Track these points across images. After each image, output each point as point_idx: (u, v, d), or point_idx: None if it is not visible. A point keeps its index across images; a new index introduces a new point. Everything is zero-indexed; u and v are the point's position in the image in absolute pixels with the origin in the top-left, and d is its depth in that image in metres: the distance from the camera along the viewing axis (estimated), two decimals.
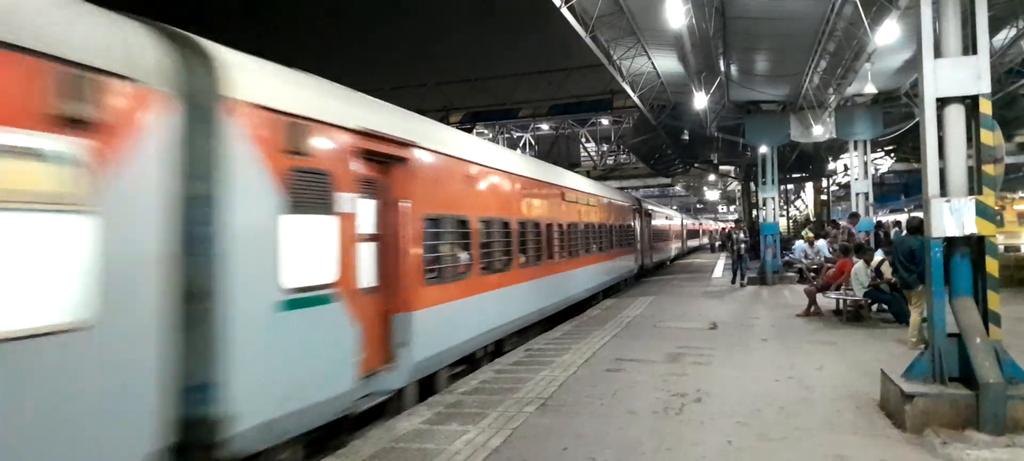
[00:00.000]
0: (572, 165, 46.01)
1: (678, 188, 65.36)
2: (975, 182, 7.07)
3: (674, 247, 45.11)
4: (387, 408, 7.87)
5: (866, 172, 23.81)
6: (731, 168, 41.83)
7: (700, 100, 19.30)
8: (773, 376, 9.29)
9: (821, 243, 22.21)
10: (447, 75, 35.17)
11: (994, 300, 6.93)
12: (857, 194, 23.52)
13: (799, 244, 23.92)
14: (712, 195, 69.16)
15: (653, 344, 12.01)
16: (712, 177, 50.61)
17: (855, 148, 23.90)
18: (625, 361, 10.57)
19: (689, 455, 6.19)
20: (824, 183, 38.86)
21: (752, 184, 33.47)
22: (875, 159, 35.74)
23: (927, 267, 7.16)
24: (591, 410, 7.79)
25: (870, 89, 16.78)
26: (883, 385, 7.56)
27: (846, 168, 32.02)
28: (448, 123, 42.73)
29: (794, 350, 11.22)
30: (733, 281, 22.91)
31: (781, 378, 9.17)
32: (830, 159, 35.41)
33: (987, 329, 6.83)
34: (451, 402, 8.27)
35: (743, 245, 23.47)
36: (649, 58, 18.89)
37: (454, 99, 40.59)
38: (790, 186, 43.06)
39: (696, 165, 42.40)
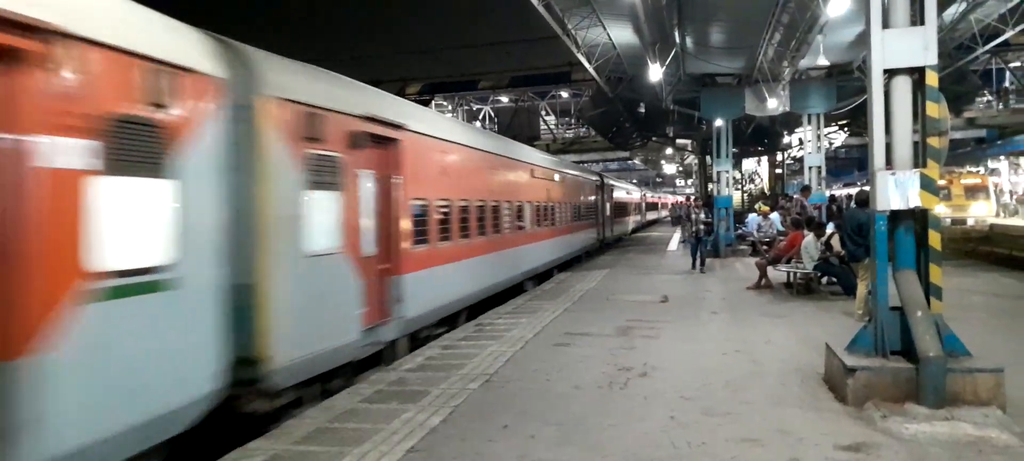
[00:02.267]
0: (532, 138, 45.85)
1: (637, 162, 65.61)
2: (920, 155, 7.03)
3: (558, 244, 21.11)
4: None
5: (819, 146, 24.01)
6: (688, 142, 42.00)
7: (655, 72, 19.19)
8: (721, 350, 9.26)
9: (775, 216, 22.38)
10: (405, 46, 34.41)
11: (936, 273, 6.93)
12: (810, 167, 23.74)
13: (752, 217, 24.10)
14: (670, 169, 69.66)
15: (604, 318, 11.93)
16: (669, 151, 50.72)
17: (809, 122, 24.08)
18: (574, 335, 10.46)
19: (632, 431, 6.08)
20: (779, 157, 39.23)
21: (708, 157, 33.63)
22: (829, 133, 36.20)
23: (871, 240, 7.14)
24: (536, 386, 7.65)
25: (822, 61, 16.87)
26: (827, 359, 7.56)
27: (801, 142, 32.35)
28: (405, 95, 42.17)
29: (743, 323, 11.24)
30: (693, 266, 19.36)
31: (729, 351, 9.15)
32: (785, 133, 35.74)
33: (929, 302, 6.82)
34: (393, 380, 8.06)
35: (703, 226, 19.81)
36: (604, 29, 18.68)
37: (411, 70, 39.90)
38: (753, 160, 43.36)
39: (654, 139, 42.45)
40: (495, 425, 6.33)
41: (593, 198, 28.00)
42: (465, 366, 8.58)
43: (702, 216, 19.93)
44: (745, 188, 43.07)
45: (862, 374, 6.64)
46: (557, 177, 21.20)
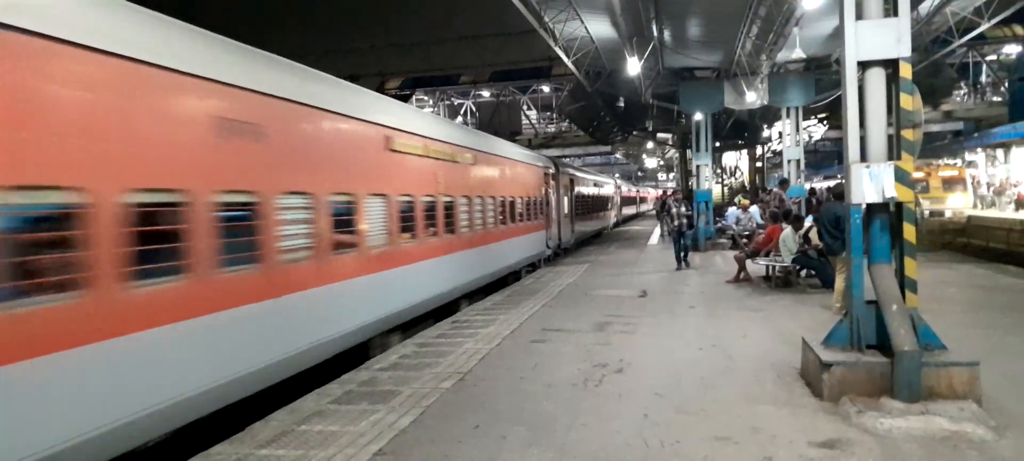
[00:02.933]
0: (513, 133, 45.77)
1: (618, 156, 65.62)
2: (895, 147, 6.97)
3: None
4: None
5: (798, 139, 24.06)
6: (669, 136, 42.05)
7: (633, 66, 19.09)
8: (697, 345, 9.18)
9: (754, 209, 22.39)
10: (382, 40, 34.13)
11: (911, 266, 6.87)
12: (789, 161, 23.79)
13: (732, 210, 24.11)
14: (651, 163, 69.74)
15: (581, 313, 11.83)
16: (650, 145, 50.72)
17: (788, 115, 24.11)
18: (551, 331, 10.35)
19: (603, 430, 5.97)
20: (759, 150, 39.35)
21: (689, 151, 33.57)
22: (809, 127, 36.35)
23: (846, 233, 7.07)
24: (509, 385, 7.53)
25: (798, 54, 16.84)
26: (803, 353, 7.48)
27: (781, 135, 32.46)
28: (384, 89, 41.82)
29: (721, 318, 11.17)
30: (678, 265, 18.23)
31: (705, 347, 9.07)
32: (765, 126, 35.84)
33: (904, 296, 6.77)
34: (365, 379, 7.90)
35: (685, 221, 18.68)
36: (582, 22, 18.55)
37: (389, 64, 39.56)
38: (735, 153, 43.41)
39: (634, 133, 42.44)
40: (466, 426, 6.20)
41: (540, 191, 20.66)
42: (439, 364, 8.43)
43: (683, 209, 18.77)
44: (725, 182, 43.15)
45: (837, 369, 6.57)
46: (461, 157, 13.62)
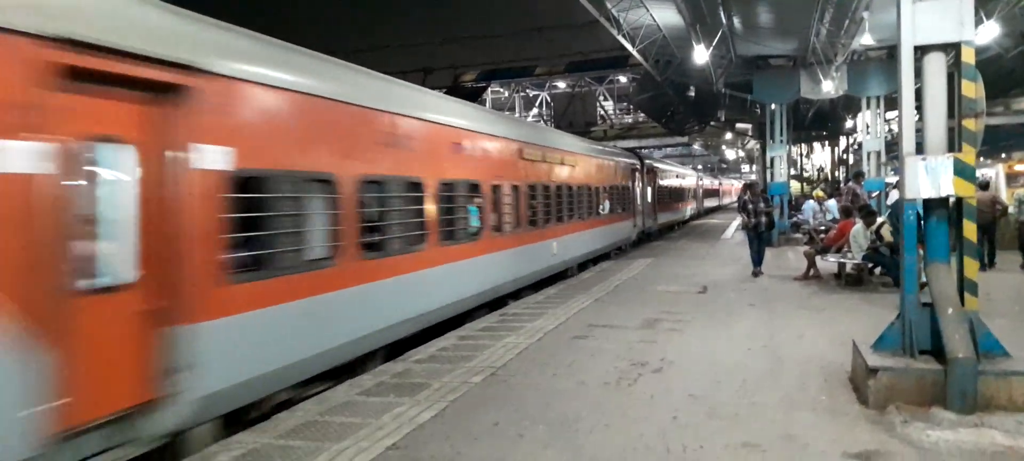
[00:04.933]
0: (589, 124, 45.31)
1: (696, 147, 64.06)
2: (955, 138, 6.45)
3: None
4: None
5: (878, 129, 22.88)
6: (748, 127, 40.77)
7: (701, 54, 18.49)
8: (747, 345, 8.79)
9: (831, 203, 21.45)
10: (454, 33, 34.32)
11: (971, 267, 6.37)
12: (868, 153, 22.67)
13: (809, 204, 23.17)
14: (731, 154, 67.94)
15: (633, 309, 11.54)
16: (729, 136, 49.25)
17: (868, 106, 22.95)
18: (597, 327, 10.12)
19: (626, 432, 5.75)
20: (842, 142, 37.73)
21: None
22: (895, 118, 34.56)
23: (900, 230, 6.61)
24: (540, 381, 7.37)
25: (867, 41, 15.88)
26: (853, 357, 7.05)
27: (867, 126, 30.99)
28: (459, 83, 42.06)
29: (779, 316, 10.70)
30: (755, 271, 15.58)
31: (755, 347, 8.67)
32: (849, 117, 34.28)
33: (962, 298, 6.27)
34: (398, 371, 7.88)
35: (764, 218, 15.98)
36: (647, 10, 18.09)
37: (461, 57, 39.74)
38: (816, 145, 41.82)
39: (711, 124, 41.32)
40: (485, 422, 6.08)
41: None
42: (474, 358, 8.35)
43: (761, 205, 16.04)
44: (806, 175, 41.57)
45: (884, 375, 6.14)
46: None
